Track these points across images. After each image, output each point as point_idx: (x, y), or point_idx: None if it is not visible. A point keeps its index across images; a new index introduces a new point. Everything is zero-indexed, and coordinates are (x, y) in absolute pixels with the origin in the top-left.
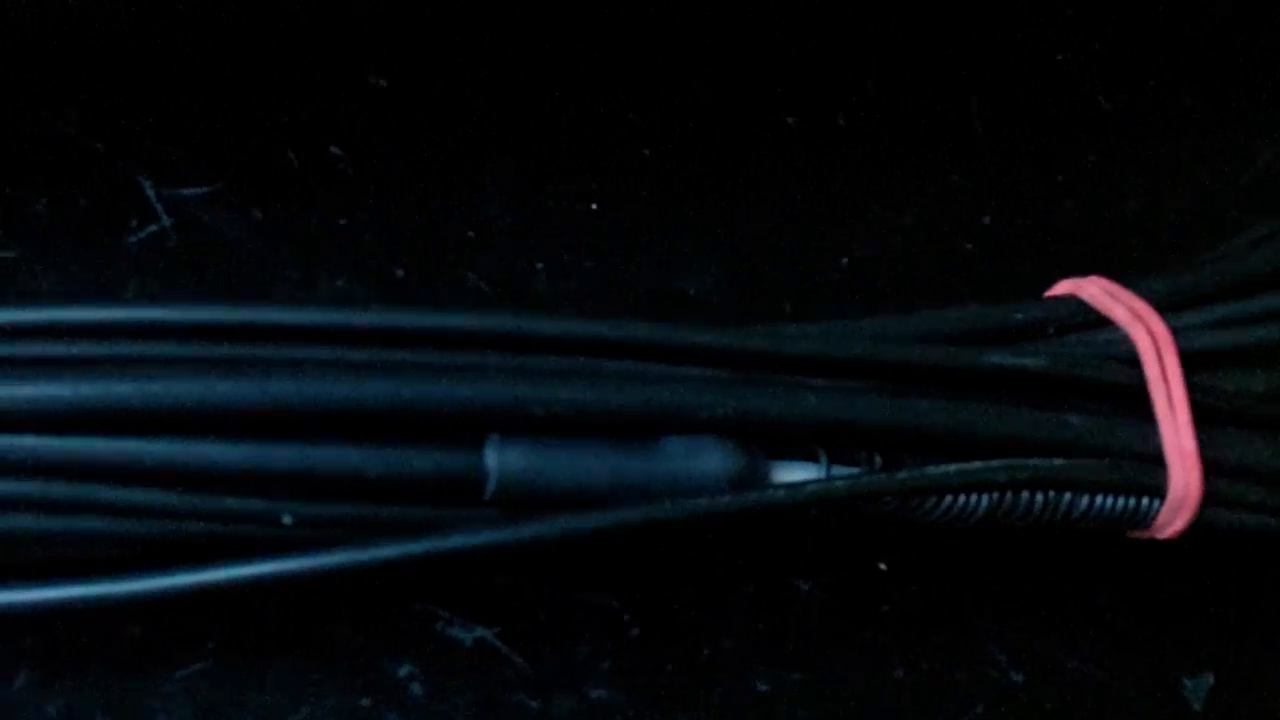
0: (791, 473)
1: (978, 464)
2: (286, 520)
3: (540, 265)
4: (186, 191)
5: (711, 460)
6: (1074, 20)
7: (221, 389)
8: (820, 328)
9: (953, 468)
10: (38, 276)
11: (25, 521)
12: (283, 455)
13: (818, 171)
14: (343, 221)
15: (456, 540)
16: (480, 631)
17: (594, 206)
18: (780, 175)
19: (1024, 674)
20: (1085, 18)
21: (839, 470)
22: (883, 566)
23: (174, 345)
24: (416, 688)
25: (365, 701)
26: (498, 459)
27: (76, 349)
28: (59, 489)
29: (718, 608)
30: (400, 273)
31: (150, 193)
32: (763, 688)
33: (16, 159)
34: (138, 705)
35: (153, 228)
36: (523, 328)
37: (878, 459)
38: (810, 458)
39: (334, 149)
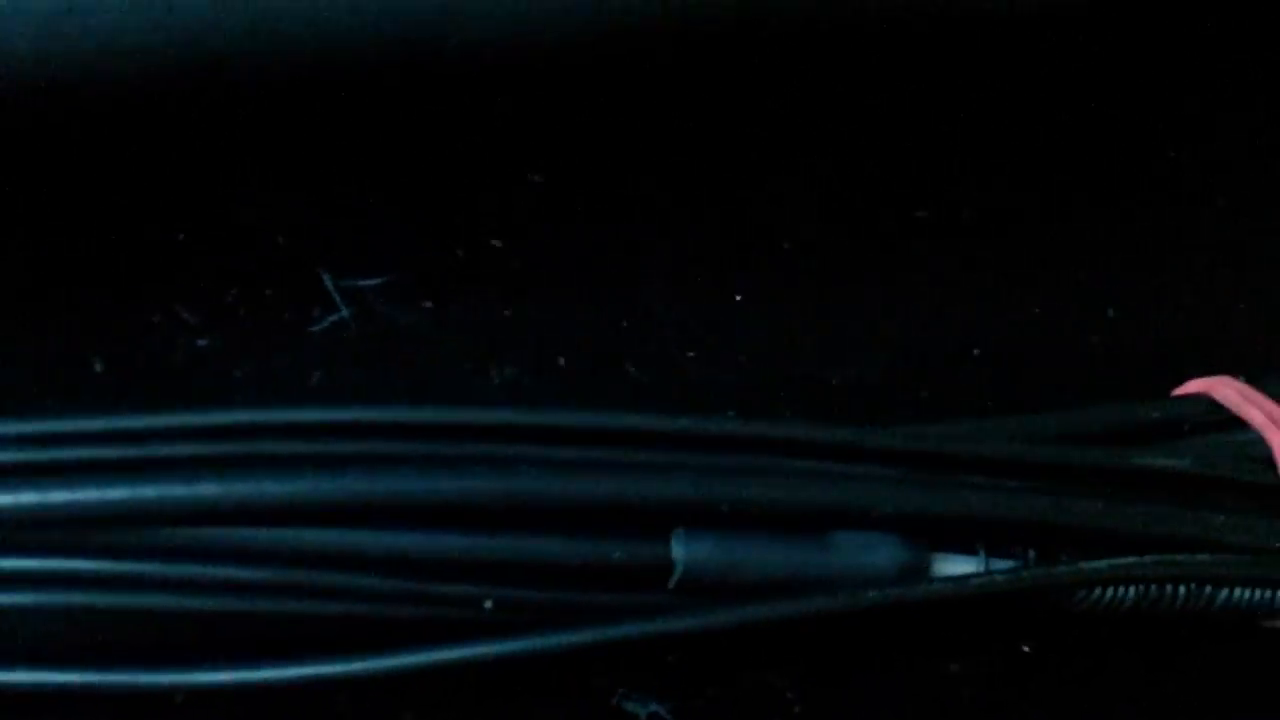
0: (952, 565)
1: (1130, 559)
2: (488, 605)
3: (692, 354)
4: (362, 282)
5: (881, 554)
6: (1192, 121)
7: (445, 485)
8: (971, 426)
9: (1104, 563)
10: (229, 363)
11: (257, 604)
12: (492, 545)
13: (948, 265)
14: (507, 312)
15: (650, 626)
16: (654, 706)
17: (739, 298)
18: (912, 270)
19: None
20: (1202, 119)
21: (998, 564)
22: (1026, 649)
23: (398, 444)
24: None
25: None
26: (685, 550)
27: (305, 447)
28: (285, 575)
29: (875, 687)
30: (562, 362)
31: (329, 283)
32: None
33: (208, 254)
34: None
35: (334, 317)
36: (709, 429)
37: (1031, 553)
38: (968, 550)
39: (495, 242)
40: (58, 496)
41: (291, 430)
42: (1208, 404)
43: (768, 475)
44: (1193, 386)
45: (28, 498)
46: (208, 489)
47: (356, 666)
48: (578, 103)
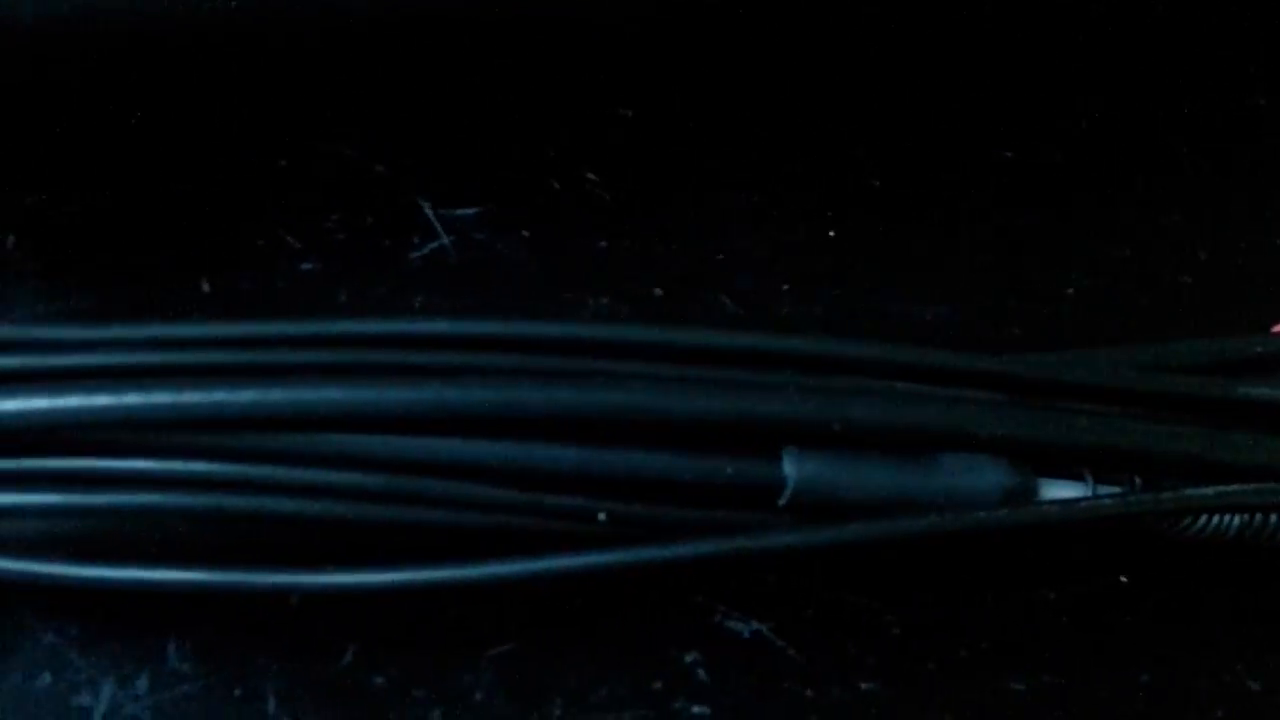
0: (1059, 490)
1: (1235, 486)
2: (601, 518)
3: (786, 288)
4: (460, 211)
5: (987, 476)
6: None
7: (561, 397)
8: (1076, 356)
9: (1210, 490)
10: (334, 288)
11: (375, 511)
12: (605, 459)
13: (1043, 206)
14: (602, 244)
15: (763, 541)
16: (755, 625)
17: (831, 234)
18: (1003, 209)
19: (1260, 682)
20: None
21: (1105, 489)
22: (1124, 579)
23: (518, 357)
24: (701, 673)
25: (657, 685)
26: (796, 469)
27: (425, 358)
28: (404, 483)
29: (971, 613)
30: (659, 292)
31: (429, 213)
32: (1017, 687)
33: (308, 181)
34: (456, 681)
35: (434, 245)
36: (821, 349)
37: (1138, 480)
38: (1074, 477)
39: (590, 175)
40: (191, 397)
41: (415, 341)
42: None
43: (877, 396)
44: None
45: (162, 397)
46: (333, 394)
47: (466, 573)
48: (669, 39)
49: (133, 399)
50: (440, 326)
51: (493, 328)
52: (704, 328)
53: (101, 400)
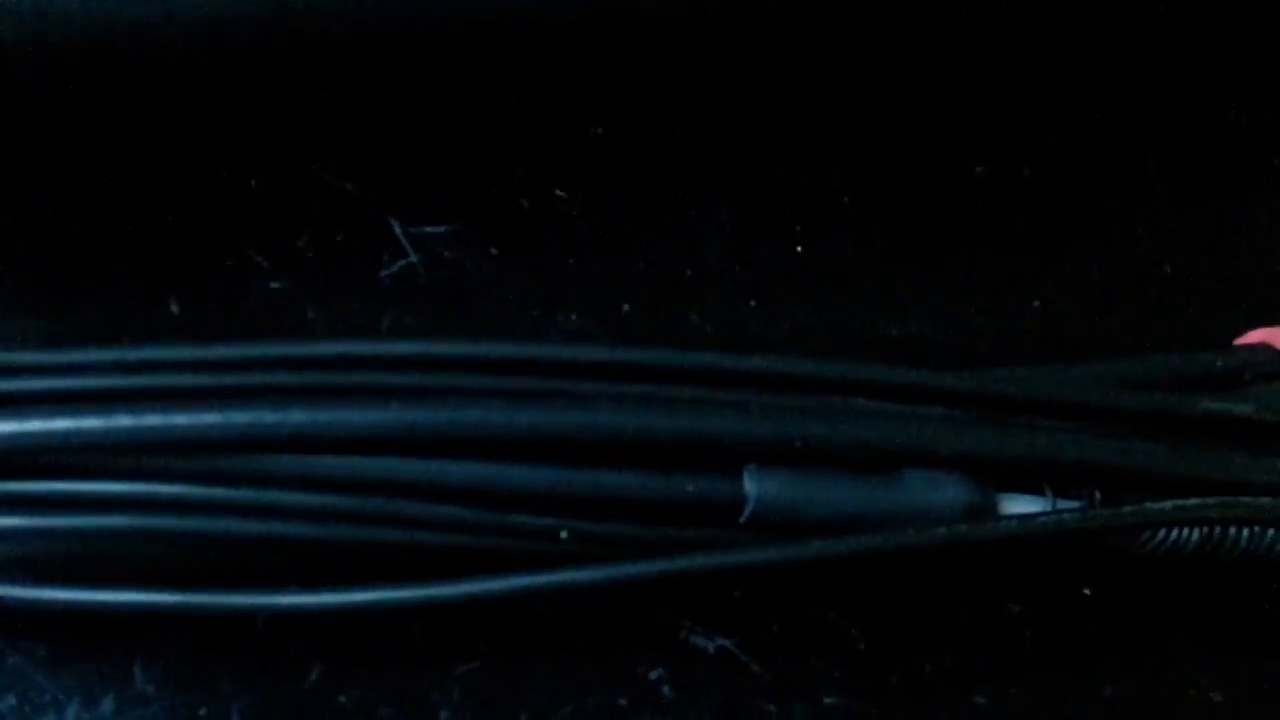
0: (1019, 505)
1: (1194, 501)
2: (564, 536)
3: (754, 304)
4: (430, 229)
5: (948, 493)
6: (1246, 80)
7: (525, 417)
8: (1038, 372)
9: (1169, 504)
10: (303, 307)
11: (341, 531)
12: (568, 478)
13: (1008, 221)
14: (571, 261)
15: (723, 558)
16: (720, 640)
17: (799, 249)
18: (970, 225)
19: (1222, 693)
20: (1256, 77)
21: (1065, 504)
22: (1086, 592)
23: (480, 378)
24: (666, 690)
25: (622, 701)
26: (756, 486)
27: (390, 379)
28: (369, 504)
29: (935, 627)
30: (627, 309)
31: (399, 231)
32: (981, 701)
33: (278, 200)
34: (423, 699)
35: (403, 263)
36: (782, 368)
37: (1098, 495)
38: (1035, 492)
39: (559, 192)
40: (152, 420)
41: (379, 362)
42: (1269, 352)
43: (838, 414)
44: (1254, 336)
45: (122, 421)
46: (297, 416)
47: (432, 593)
48: (639, 57)
49: (93, 423)
50: (404, 348)
51: (457, 348)
52: (665, 347)
53: (62, 424)
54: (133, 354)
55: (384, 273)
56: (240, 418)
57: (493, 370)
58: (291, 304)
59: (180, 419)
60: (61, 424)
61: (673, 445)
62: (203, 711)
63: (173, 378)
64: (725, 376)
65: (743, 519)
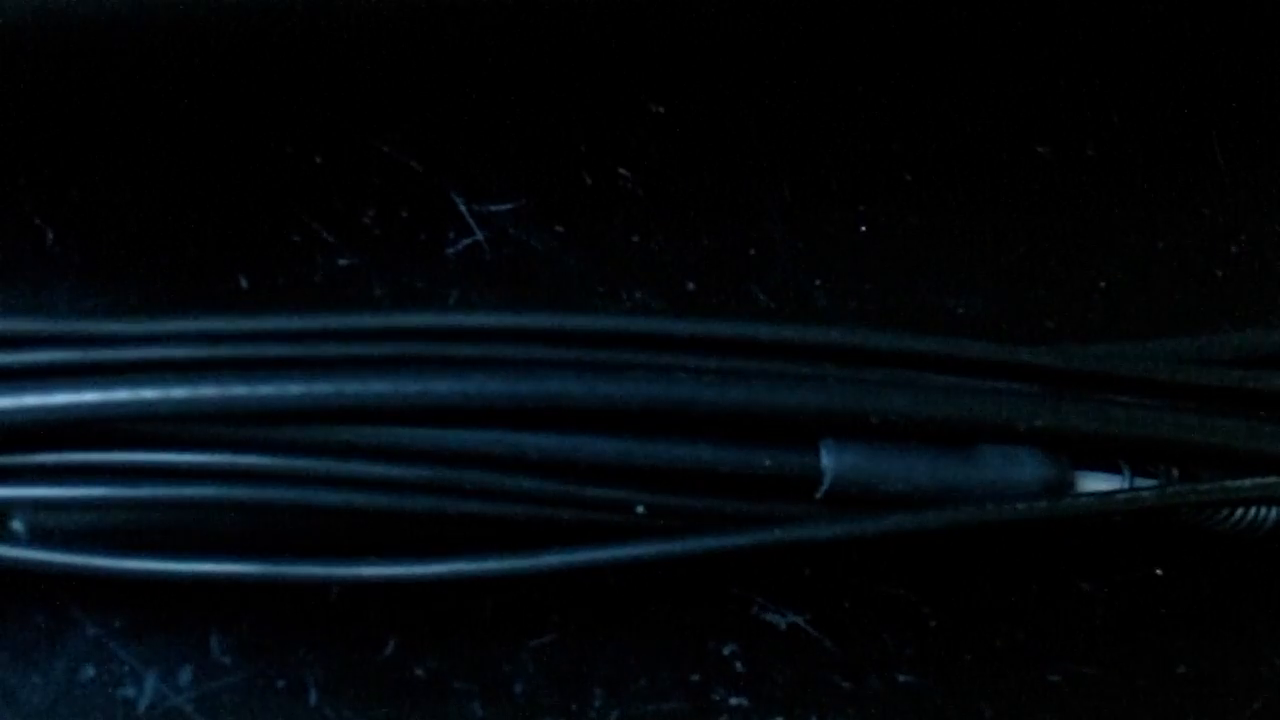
0: (1095, 482)
1: (1273, 478)
2: (640, 509)
3: (819, 283)
4: (495, 207)
5: (1025, 468)
6: None
7: (602, 389)
8: (1113, 349)
9: (1249, 481)
10: (371, 283)
11: (417, 503)
12: (644, 451)
13: (1070, 200)
14: (635, 238)
15: (801, 532)
16: (792, 617)
17: (862, 227)
18: (1034, 202)
19: None
20: None
21: (1142, 481)
22: (1158, 571)
23: (560, 350)
24: (739, 665)
25: (695, 676)
26: (834, 460)
27: (468, 350)
28: (446, 474)
29: (1008, 604)
30: (691, 286)
31: (463, 208)
32: (1054, 679)
33: (343, 177)
34: (497, 672)
35: (468, 240)
36: (859, 341)
37: (1174, 472)
38: (1110, 469)
39: (622, 170)
40: (236, 390)
41: (459, 334)
42: None
43: (915, 388)
44: None
45: (207, 391)
46: (378, 387)
47: (506, 565)
48: (699, 34)
49: (179, 392)
50: (483, 319)
51: (535, 320)
52: (743, 319)
53: (149, 394)
54: (217, 324)
55: (449, 249)
56: (324, 388)
57: (571, 343)
58: (358, 280)
59: (264, 389)
60: (148, 393)
61: (750, 418)
62: (280, 683)
63: (255, 348)
64: (802, 349)
65: (819, 493)
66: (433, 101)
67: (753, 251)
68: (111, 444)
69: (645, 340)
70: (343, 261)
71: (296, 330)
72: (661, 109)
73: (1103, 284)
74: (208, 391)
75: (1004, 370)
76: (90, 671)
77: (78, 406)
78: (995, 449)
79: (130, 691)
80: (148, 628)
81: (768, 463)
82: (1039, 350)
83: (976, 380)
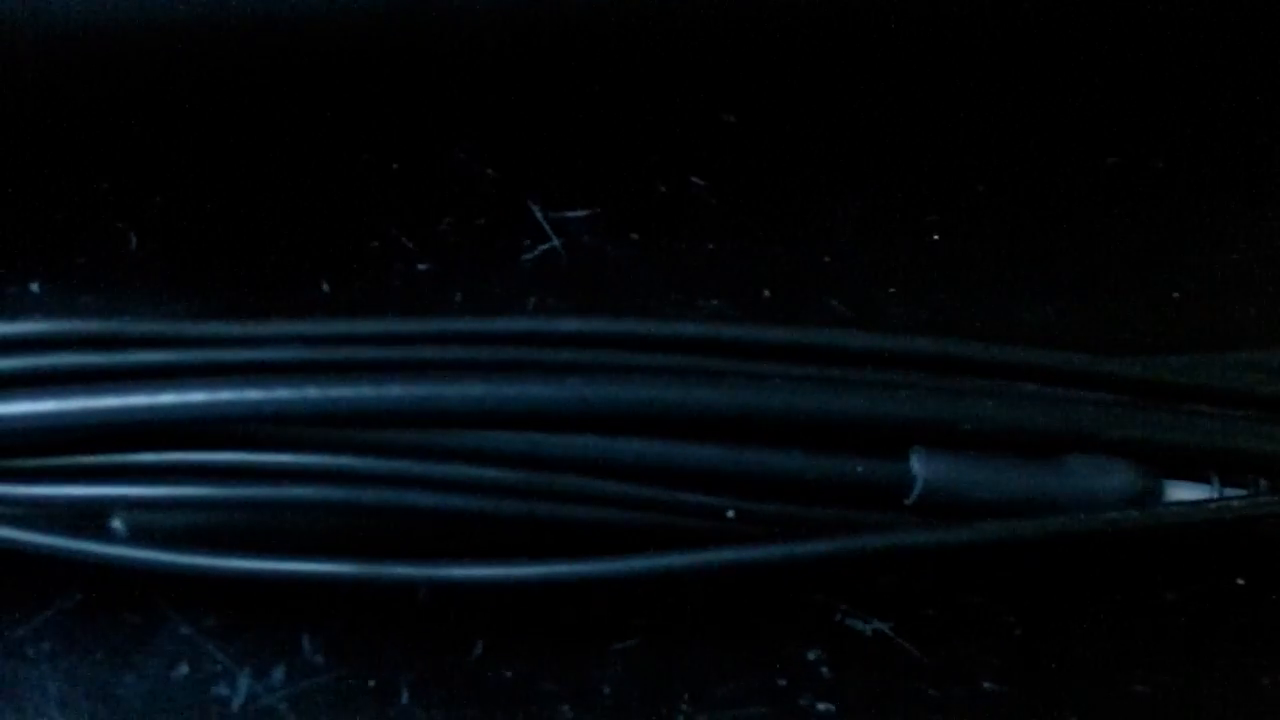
0: (1183, 492)
1: None
2: (730, 515)
3: (893, 291)
4: (570, 214)
5: (1114, 478)
6: None
7: (697, 396)
8: (1200, 359)
9: None
10: (449, 289)
11: (511, 506)
12: (736, 457)
13: (1143, 211)
14: (710, 246)
15: (896, 539)
16: (876, 623)
17: (936, 237)
18: (1107, 214)
19: None
20: None
21: (1231, 492)
22: (1240, 581)
23: (657, 356)
24: (825, 670)
25: (782, 681)
26: (924, 468)
27: (563, 356)
28: (539, 479)
29: (1092, 613)
30: (767, 294)
31: (539, 215)
32: (1139, 688)
33: (421, 185)
34: (585, 674)
35: (544, 246)
36: (947, 351)
37: (1262, 482)
38: (1199, 479)
39: (695, 179)
40: (339, 392)
41: (556, 339)
42: None
43: (1005, 397)
44: None
45: (310, 393)
46: (476, 391)
47: (596, 568)
48: (771, 45)
49: (284, 394)
50: (579, 325)
51: (630, 327)
52: (836, 329)
53: (254, 395)
54: (317, 327)
55: (526, 256)
56: (422, 390)
57: (666, 349)
58: (437, 286)
59: (365, 392)
60: (253, 394)
61: (844, 426)
62: (371, 683)
63: (354, 351)
64: (892, 358)
65: (909, 501)
66: (509, 111)
67: (827, 260)
68: (211, 444)
69: (738, 348)
70: (422, 267)
71: (394, 334)
72: (733, 118)
73: (1175, 295)
74: (311, 393)
75: (1093, 381)
76: (185, 670)
77: (184, 407)
78: (1084, 459)
79: (224, 690)
80: (240, 627)
81: (859, 470)
82: (1128, 361)
83: (1065, 390)
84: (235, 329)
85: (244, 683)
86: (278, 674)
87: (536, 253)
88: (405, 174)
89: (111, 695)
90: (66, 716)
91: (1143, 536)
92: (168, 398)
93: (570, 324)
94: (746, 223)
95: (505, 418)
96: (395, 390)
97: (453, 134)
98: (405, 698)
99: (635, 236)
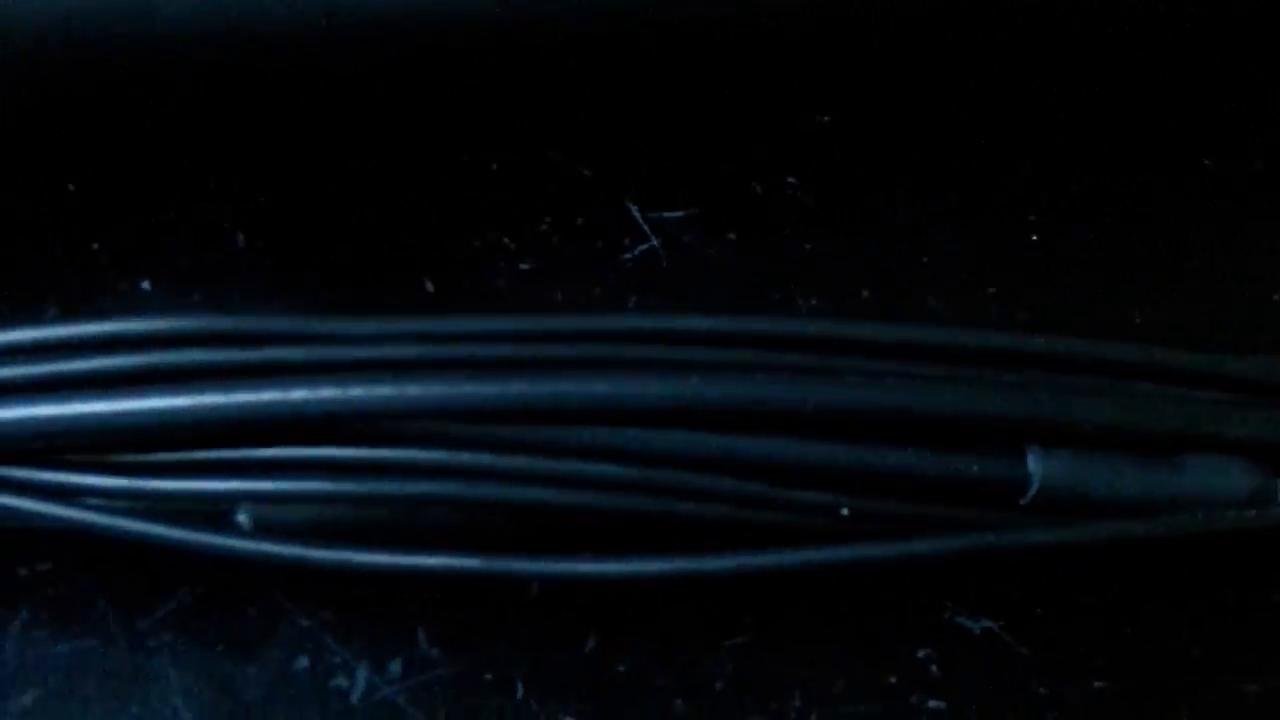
0: None
1: None
2: (844, 512)
3: (992, 290)
4: (668, 214)
5: (1232, 478)
6: None
7: (813, 393)
8: None
9: None
10: (551, 288)
11: (627, 502)
12: (851, 455)
13: (1237, 214)
14: (807, 246)
15: (1015, 538)
16: (985, 622)
17: (1034, 237)
18: (1204, 215)
19: None
20: None
21: None
22: None
23: (769, 354)
24: (935, 669)
25: (892, 679)
26: (1041, 467)
27: (684, 353)
28: (656, 475)
29: (1201, 613)
30: (866, 294)
31: (637, 215)
32: (1251, 688)
33: (520, 185)
34: (698, 670)
35: (644, 246)
36: (1062, 349)
37: None
38: None
39: (790, 179)
40: (465, 389)
41: (671, 337)
42: None
43: (1122, 396)
44: None
45: (437, 389)
46: (598, 388)
47: (709, 565)
48: (866, 45)
49: (412, 390)
50: (697, 323)
51: (746, 324)
52: (953, 327)
53: (384, 391)
54: (442, 325)
55: (625, 255)
56: (545, 388)
57: (783, 347)
58: (539, 285)
59: (489, 389)
60: (383, 390)
61: (960, 424)
62: (488, 677)
63: (478, 348)
64: (1007, 357)
65: (1025, 500)
66: (604, 111)
67: (925, 259)
68: (337, 440)
69: (854, 345)
70: (524, 266)
71: (516, 331)
72: (828, 118)
73: (1276, 296)
74: (437, 390)
75: (1210, 380)
76: (304, 662)
77: (316, 403)
78: (1200, 458)
79: (343, 682)
80: (357, 620)
81: (974, 469)
82: (1245, 361)
83: (1182, 389)
84: (361, 326)
85: (362, 675)
86: (395, 667)
87: (636, 252)
88: (508, 175)
89: (233, 686)
90: (189, 706)
91: (1258, 536)
92: (299, 394)
93: (690, 322)
94: (843, 222)
95: (625, 415)
96: (519, 387)
97: (549, 135)
98: (521, 691)
99: (733, 236)
